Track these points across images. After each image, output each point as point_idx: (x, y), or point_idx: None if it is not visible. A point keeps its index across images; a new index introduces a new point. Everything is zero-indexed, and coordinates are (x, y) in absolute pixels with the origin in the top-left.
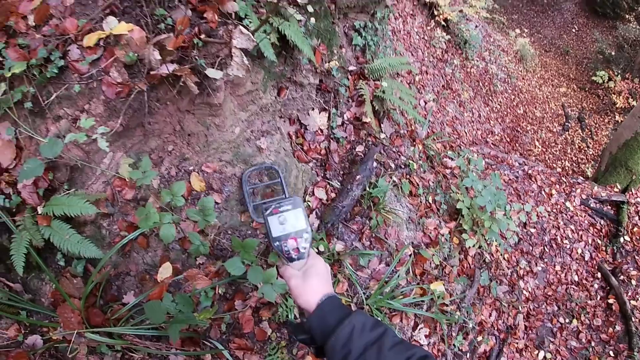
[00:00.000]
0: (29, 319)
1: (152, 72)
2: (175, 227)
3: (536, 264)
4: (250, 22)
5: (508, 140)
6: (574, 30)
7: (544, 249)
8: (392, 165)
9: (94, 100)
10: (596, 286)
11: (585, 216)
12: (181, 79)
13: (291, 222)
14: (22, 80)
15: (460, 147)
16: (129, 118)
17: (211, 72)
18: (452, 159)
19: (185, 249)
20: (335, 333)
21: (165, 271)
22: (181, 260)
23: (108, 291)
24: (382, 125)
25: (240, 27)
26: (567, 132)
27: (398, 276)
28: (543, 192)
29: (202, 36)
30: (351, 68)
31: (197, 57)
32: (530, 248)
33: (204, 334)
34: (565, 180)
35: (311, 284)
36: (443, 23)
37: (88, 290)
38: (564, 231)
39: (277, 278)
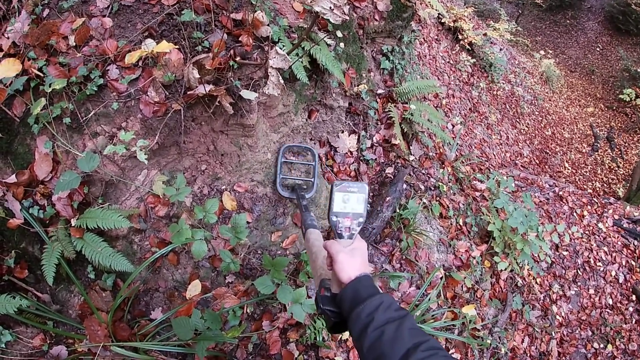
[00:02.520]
0: (56, 329)
1: (189, 92)
2: (207, 244)
3: (569, 288)
4: (283, 45)
5: (537, 162)
6: (598, 49)
7: (577, 272)
8: (422, 187)
9: (131, 118)
10: (631, 309)
11: (618, 237)
12: (217, 99)
13: (352, 204)
14: (62, 97)
15: (490, 170)
16: (165, 136)
17: (246, 93)
18: (481, 182)
19: (215, 267)
20: (365, 303)
21: (194, 289)
22: (210, 278)
23: (136, 306)
24: (411, 147)
25: (277, 47)
26: (596, 153)
27: (429, 299)
28: (575, 214)
29: (238, 58)
30: (380, 91)
31: (232, 79)
32: (563, 271)
33: (230, 354)
34: (597, 201)
35: (356, 261)
36: (468, 47)
37: (116, 305)
38: (597, 253)
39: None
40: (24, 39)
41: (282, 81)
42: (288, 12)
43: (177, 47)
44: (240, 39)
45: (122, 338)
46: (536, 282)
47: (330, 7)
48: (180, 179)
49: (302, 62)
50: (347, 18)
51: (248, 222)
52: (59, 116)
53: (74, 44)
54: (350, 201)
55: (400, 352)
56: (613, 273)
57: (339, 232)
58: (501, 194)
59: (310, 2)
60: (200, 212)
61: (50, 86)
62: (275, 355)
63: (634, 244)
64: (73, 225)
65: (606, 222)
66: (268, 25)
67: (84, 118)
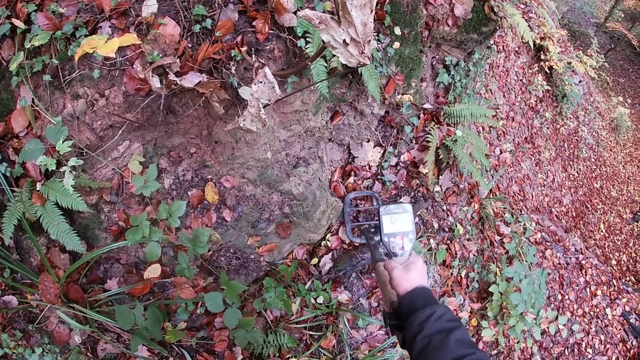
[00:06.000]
0: (12, 279)
1: (170, 80)
2: (168, 242)
3: None
4: (309, 41)
5: (574, 215)
6: None
7: (564, 351)
8: (435, 226)
9: (115, 88)
10: None
11: (620, 330)
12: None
13: (400, 224)
14: (48, 49)
15: (521, 211)
16: (148, 116)
17: (245, 92)
18: (507, 224)
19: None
20: (417, 313)
21: (153, 271)
22: (172, 265)
23: (94, 271)
24: (440, 176)
25: (266, 70)
26: (636, 223)
27: (396, 350)
28: (588, 290)
29: (244, 48)
30: (426, 106)
31: (230, 73)
32: (550, 344)
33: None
34: (615, 283)
35: (411, 275)
36: (547, 70)
37: (73, 268)
38: (592, 338)
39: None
40: None
41: (263, 115)
42: None
43: (175, 20)
44: (254, 23)
45: (74, 298)
46: (519, 348)
47: (344, 41)
48: (152, 170)
49: (326, 67)
50: (368, 63)
51: (226, 221)
52: (41, 71)
53: None
54: (398, 221)
55: None
56: None
57: (393, 251)
58: (516, 262)
59: (319, 23)
60: (165, 212)
61: (30, 42)
62: (218, 353)
63: (632, 342)
64: (38, 189)
65: (615, 309)
66: (295, 12)
67: (67, 77)
